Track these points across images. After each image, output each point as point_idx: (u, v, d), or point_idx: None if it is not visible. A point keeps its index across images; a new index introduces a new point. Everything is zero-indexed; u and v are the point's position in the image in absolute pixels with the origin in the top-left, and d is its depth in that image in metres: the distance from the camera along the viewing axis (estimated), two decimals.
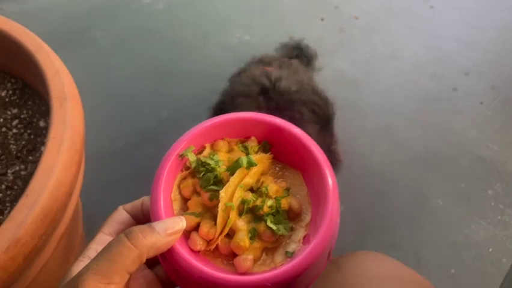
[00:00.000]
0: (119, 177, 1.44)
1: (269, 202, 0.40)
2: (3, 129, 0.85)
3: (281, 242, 0.41)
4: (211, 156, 0.43)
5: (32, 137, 0.85)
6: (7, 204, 0.77)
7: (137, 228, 0.36)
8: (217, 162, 0.42)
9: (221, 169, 0.42)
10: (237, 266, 0.39)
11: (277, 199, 0.41)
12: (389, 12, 2.01)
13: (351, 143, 1.52)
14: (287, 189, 0.43)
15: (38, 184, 0.64)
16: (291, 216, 0.42)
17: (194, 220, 0.41)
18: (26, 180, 0.80)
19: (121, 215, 0.44)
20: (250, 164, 0.42)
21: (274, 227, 0.40)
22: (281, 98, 0.85)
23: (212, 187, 0.41)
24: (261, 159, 0.43)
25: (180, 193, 0.43)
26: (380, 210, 1.35)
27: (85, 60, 1.83)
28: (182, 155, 0.43)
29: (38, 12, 2.05)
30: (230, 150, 0.45)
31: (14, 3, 2.08)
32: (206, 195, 0.41)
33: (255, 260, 0.39)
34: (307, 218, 0.42)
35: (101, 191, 1.39)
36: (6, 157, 0.82)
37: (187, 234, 0.41)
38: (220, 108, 0.98)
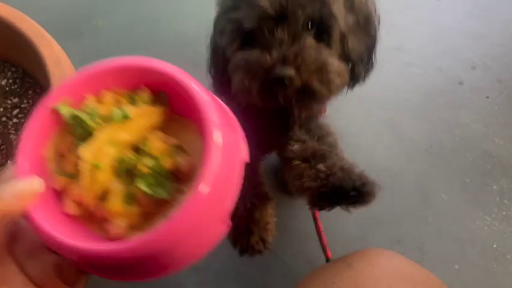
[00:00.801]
0: None
1: (147, 161, 0.35)
2: (4, 118, 0.84)
3: (165, 207, 0.35)
4: (88, 109, 0.37)
5: None
6: None
7: None
8: (93, 116, 0.36)
9: (93, 122, 0.36)
10: (108, 232, 0.34)
11: (157, 159, 0.36)
12: (396, 5, 1.98)
13: (356, 137, 1.50)
14: (178, 147, 0.38)
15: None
16: (180, 177, 0.37)
17: (66, 181, 0.36)
18: None
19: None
20: (125, 117, 0.36)
21: (147, 190, 0.34)
22: None
23: (84, 145, 0.35)
24: (147, 112, 0.38)
25: (57, 151, 0.38)
26: (384, 205, 1.33)
27: (87, 49, 1.80)
28: (55, 108, 0.36)
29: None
30: (116, 103, 0.39)
31: None
32: (77, 154, 0.35)
33: (133, 227, 0.34)
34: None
35: None
36: (7, 147, 0.80)
37: (60, 196, 0.37)
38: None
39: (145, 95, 0.40)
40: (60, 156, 0.37)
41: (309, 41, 0.62)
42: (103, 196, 0.35)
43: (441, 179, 1.39)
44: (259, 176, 0.83)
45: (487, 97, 1.60)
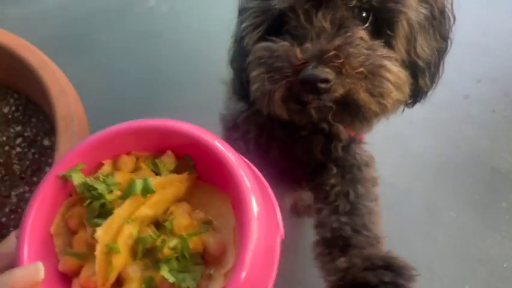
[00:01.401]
0: None
1: (172, 242, 0.30)
2: (6, 147, 0.82)
3: None
4: (104, 177, 0.32)
5: (37, 156, 0.82)
6: (11, 229, 0.74)
7: None
8: (109, 186, 0.32)
9: (111, 196, 0.31)
10: None
11: (183, 238, 0.30)
12: None
13: None
14: (207, 223, 0.33)
15: None
16: (209, 260, 0.31)
17: (75, 263, 0.31)
18: None
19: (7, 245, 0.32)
20: (148, 190, 0.32)
21: (171, 278, 0.28)
22: None
23: (97, 220, 0.30)
24: (171, 182, 0.33)
25: (67, 225, 0.33)
26: (392, 222, 1.30)
27: (87, 65, 1.79)
28: (62, 175, 0.32)
29: (39, 14, 2.01)
30: (137, 168, 0.35)
31: (14, 5, 2.04)
32: (90, 231, 0.30)
33: None
34: (230, 261, 0.30)
35: None
36: (10, 178, 0.78)
37: (70, 279, 0.31)
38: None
39: (170, 160, 0.36)
40: (70, 231, 0.32)
41: (360, 34, 0.45)
42: (120, 282, 0.30)
43: (450, 196, 1.37)
44: None
45: (494, 111, 1.59)
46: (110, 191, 0.32)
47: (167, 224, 0.31)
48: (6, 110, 0.87)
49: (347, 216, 0.63)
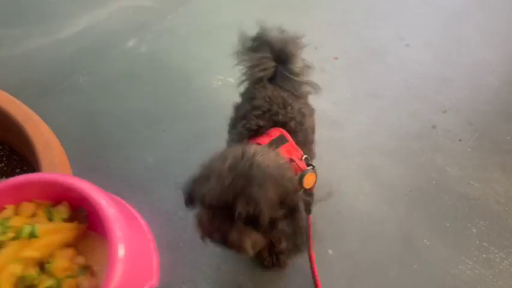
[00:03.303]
0: None
1: (48, 282, 0.35)
2: None
3: None
4: (1, 220, 0.37)
5: None
6: None
7: None
8: (4, 228, 0.36)
9: (3, 237, 0.36)
10: None
11: (58, 279, 0.36)
12: (367, 52, 2.08)
13: (338, 184, 1.54)
14: (86, 268, 0.39)
15: None
16: None
17: None
18: None
19: None
20: (32, 235, 0.36)
21: None
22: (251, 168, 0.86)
23: None
24: (60, 229, 0.39)
25: None
26: (369, 253, 1.36)
27: (68, 106, 1.82)
28: None
29: (20, 57, 2.05)
30: (34, 215, 0.40)
31: None
32: None
33: None
34: None
35: None
36: None
37: None
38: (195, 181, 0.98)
39: (64, 209, 0.42)
40: None
41: (238, 225, 0.84)
42: None
43: (423, 223, 1.43)
44: None
45: (460, 140, 1.68)
46: (4, 233, 0.36)
47: (47, 265, 0.37)
48: None
49: None
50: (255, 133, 1.16)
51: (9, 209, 0.38)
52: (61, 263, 0.37)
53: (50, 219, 0.40)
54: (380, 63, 2.02)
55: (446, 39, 2.17)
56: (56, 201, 0.41)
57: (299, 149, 1.11)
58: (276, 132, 1.13)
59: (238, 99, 1.35)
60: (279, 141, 1.09)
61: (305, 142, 1.17)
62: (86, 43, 2.13)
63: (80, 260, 0.39)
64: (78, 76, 1.95)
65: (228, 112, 1.34)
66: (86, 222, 0.42)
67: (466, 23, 2.30)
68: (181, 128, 1.74)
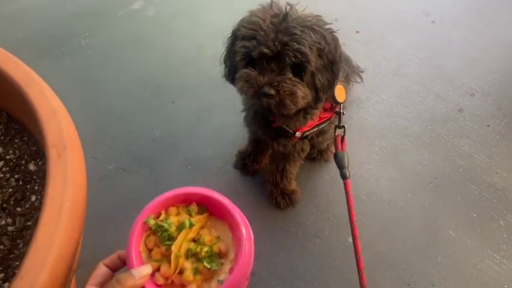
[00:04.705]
0: (109, 206, 1.32)
1: (205, 248, 0.59)
2: None
3: (215, 274, 0.59)
4: (166, 220, 0.60)
5: (21, 183, 0.73)
6: None
7: (122, 275, 0.54)
8: (169, 224, 0.60)
9: (172, 229, 0.60)
10: None
11: (210, 246, 0.60)
12: (391, 27, 1.94)
13: (358, 168, 1.44)
14: (218, 237, 0.62)
15: (35, 262, 0.52)
16: (221, 255, 0.61)
17: (156, 264, 0.59)
18: (15, 237, 0.68)
19: (101, 269, 0.58)
20: (191, 225, 0.60)
21: (208, 265, 0.58)
22: (294, 19, 0.89)
23: (167, 242, 0.59)
24: (199, 220, 0.62)
25: (146, 246, 0.61)
26: (391, 242, 1.28)
27: (68, 70, 1.68)
28: (145, 221, 0.60)
29: (17, 14, 1.89)
30: (178, 214, 0.63)
31: None
32: (163, 248, 0.59)
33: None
34: (231, 255, 0.61)
35: (88, 224, 1.26)
36: None
37: (153, 273, 0.58)
38: (231, 45, 1.01)
39: (194, 208, 0.64)
40: (148, 249, 0.60)
41: (288, 75, 0.90)
42: (181, 271, 0.58)
43: (448, 214, 1.34)
44: None
45: (488, 125, 1.57)
46: (170, 227, 0.59)
47: (201, 239, 0.60)
48: None
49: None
50: None
51: (163, 214, 0.61)
52: (207, 237, 0.61)
53: (190, 215, 0.62)
54: (404, 39, 1.89)
55: (475, 18, 2.03)
56: (187, 203, 0.64)
57: None
58: None
59: None
60: None
61: None
62: (89, 2, 1.97)
63: (215, 233, 0.63)
64: (79, 38, 1.80)
65: None
66: (207, 212, 0.64)
67: (497, 1, 2.15)
68: (190, 99, 1.62)
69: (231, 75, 1.02)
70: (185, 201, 0.63)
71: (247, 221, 0.60)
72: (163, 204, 0.60)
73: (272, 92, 0.90)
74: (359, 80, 1.59)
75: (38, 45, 1.75)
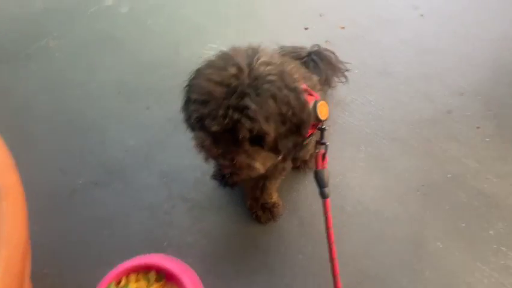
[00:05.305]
0: (78, 224, 1.24)
1: None
2: None
3: None
4: (125, 286, 0.66)
5: None
6: None
7: None
8: None
9: None
10: None
11: None
12: (377, 22, 1.86)
13: (342, 176, 1.38)
14: None
15: None
16: None
17: None
18: None
19: None
20: None
21: None
22: (251, 82, 0.79)
23: None
24: (157, 286, 0.69)
25: None
26: (376, 256, 1.22)
27: (35, 75, 1.58)
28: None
29: None
30: (137, 280, 0.69)
31: None
32: None
33: None
34: None
35: (55, 243, 1.19)
36: None
37: None
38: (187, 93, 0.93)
39: (153, 275, 0.71)
40: None
41: (245, 146, 0.83)
42: None
43: (436, 224, 1.29)
44: None
45: (478, 127, 1.51)
46: None
47: None
48: None
49: None
50: None
51: (123, 280, 0.69)
52: None
53: (148, 281, 0.69)
54: (391, 35, 1.81)
55: (465, 11, 1.95)
56: (147, 270, 0.72)
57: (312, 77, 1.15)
58: None
59: None
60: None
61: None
62: (58, 0, 1.85)
63: None
64: (47, 39, 1.69)
65: None
66: (164, 277, 0.73)
67: None
68: (166, 105, 1.53)
69: (189, 125, 0.94)
70: (145, 268, 0.72)
71: (201, 284, 0.73)
72: (124, 271, 0.69)
73: (227, 163, 0.86)
74: (343, 79, 1.52)
75: (1, 48, 1.64)
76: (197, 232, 1.25)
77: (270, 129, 0.80)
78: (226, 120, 0.77)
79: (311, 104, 0.96)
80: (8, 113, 1.41)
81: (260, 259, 1.20)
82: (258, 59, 0.81)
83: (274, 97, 0.79)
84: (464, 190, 1.36)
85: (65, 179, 1.33)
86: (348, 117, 1.53)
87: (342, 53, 1.69)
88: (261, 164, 0.88)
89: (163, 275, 0.72)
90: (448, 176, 1.39)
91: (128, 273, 0.70)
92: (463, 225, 1.29)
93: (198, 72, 0.88)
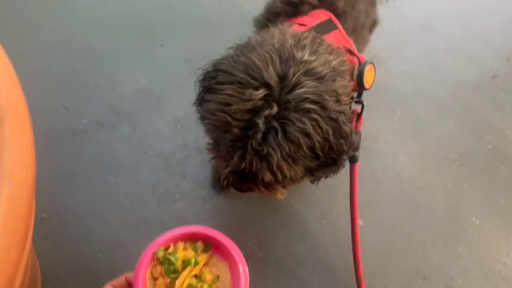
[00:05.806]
0: (82, 168, 1.12)
1: (204, 286, 0.64)
2: None
3: None
4: (173, 254, 0.66)
5: None
6: None
7: None
8: (176, 259, 0.65)
9: (178, 264, 0.65)
10: None
11: (209, 285, 0.65)
12: None
13: (373, 139, 1.25)
14: (217, 276, 0.67)
15: None
16: None
17: None
18: None
19: None
20: (196, 263, 0.66)
21: None
22: (280, 112, 0.62)
23: (172, 275, 0.64)
24: (203, 258, 0.67)
25: (152, 275, 0.65)
26: (408, 228, 1.13)
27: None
28: (155, 253, 0.64)
29: None
30: (185, 249, 0.68)
31: None
32: (168, 280, 0.64)
33: None
34: None
35: (57, 184, 1.07)
36: None
37: None
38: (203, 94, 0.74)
39: (200, 245, 0.68)
40: (154, 278, 0.65)
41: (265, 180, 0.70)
42: None
43: (472, 198, 1.18)
44: None
45: None
46: (176, 261, 0.65)
47: (202, 277, 0.65)
48: None
49: None
50: (296, 9, 0.91)
51: (172, 247, 0.67)
52: (208, 275, 0.66)
53: (195, 251, 0.68)
54: None
55: None
56: (194, 240, 0.69)
57: (349, 39, 0.87)
58: (321, 14, 0.88)
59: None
60: (326, 27, 0.85)
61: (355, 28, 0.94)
62: None
63: (215, 271, 0.67)
64: None
65: (249, 28, 1.00)
66: (211, 250, 0.69)
67: None
68: (183, 43, 1.37)
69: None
70: (193, 238, 0.68)
71: (243, 259, 0.65)
72: (172, 239, 0.67)
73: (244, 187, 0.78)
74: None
75: None
76: (212, 188, 1.13)
77: (298, 172, 0.69)
78: (243, 165, 0.66)
79: (356, 69, 0.81)
80: (8, 36, 1.25)
81: (279, 221, 1.10)
82: (296, 70, 0.63)
83: (307, 135, 0.63)
84: (506, 164, 1.25)
85: (67, 117, 1.19)
86: (383, 75, 1.37)
87: (381, 3, 1.52)
88: (282, 193, 0.80)
89: (209, 246, 0.69)
90: (489, 147, 1.27)
91: (176, 241, 0.68)
92: (502, 201, 1.18)
93: (214, 80, 0.69)
